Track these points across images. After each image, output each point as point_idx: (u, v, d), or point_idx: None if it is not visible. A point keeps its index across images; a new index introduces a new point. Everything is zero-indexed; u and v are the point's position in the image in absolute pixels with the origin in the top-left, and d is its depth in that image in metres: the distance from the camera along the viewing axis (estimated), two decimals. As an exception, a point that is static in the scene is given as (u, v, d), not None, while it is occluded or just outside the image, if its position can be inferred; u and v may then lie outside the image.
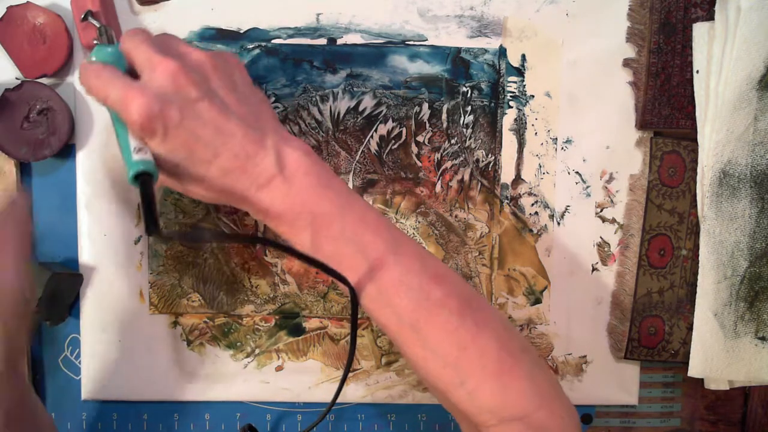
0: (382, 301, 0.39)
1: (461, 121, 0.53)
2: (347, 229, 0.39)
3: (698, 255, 0.53)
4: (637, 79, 0.53)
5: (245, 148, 0.37)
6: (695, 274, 0.53)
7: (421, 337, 0.38)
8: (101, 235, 0.53)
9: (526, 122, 0.53)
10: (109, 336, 0.53)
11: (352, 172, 0.53)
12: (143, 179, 0.35)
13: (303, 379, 0.54)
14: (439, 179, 0.53)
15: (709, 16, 0.52)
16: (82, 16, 0.46)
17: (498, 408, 0.37)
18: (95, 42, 0.41)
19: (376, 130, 0.53)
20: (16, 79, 0.51)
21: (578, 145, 0.53)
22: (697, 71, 0.52)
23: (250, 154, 0.37)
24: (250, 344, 0.54)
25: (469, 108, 0.53)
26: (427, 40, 0.52)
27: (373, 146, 0.53)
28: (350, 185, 0.53)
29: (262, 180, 0.38)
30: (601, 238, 0.54)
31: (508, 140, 0.53)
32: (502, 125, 0.53)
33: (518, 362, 0.38)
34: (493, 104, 0.53)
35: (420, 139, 0.53)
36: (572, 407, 0.40)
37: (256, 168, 0.38)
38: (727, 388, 0.55)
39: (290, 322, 0.54)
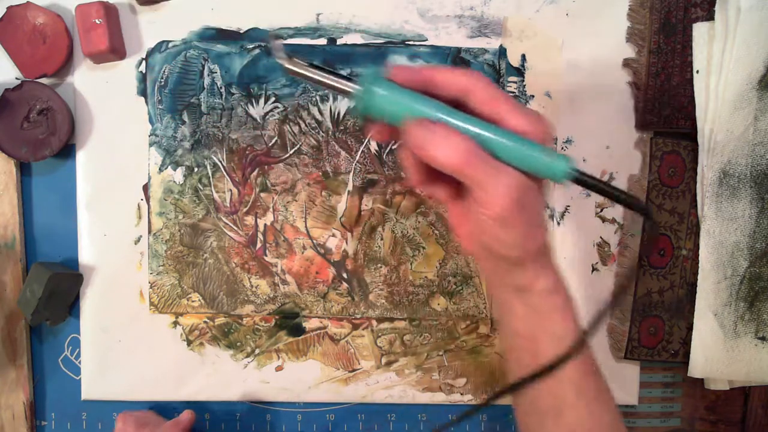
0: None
1: (461, 121, 0.53)
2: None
3: (698, 255, 0.53)
4: (637, 79, 0.53)
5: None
6: (695, 274, 0.53)
7: None
8: (101, 235, 0.53)
9: (526, 122, 0.53)
10: (109, 336, 0.53)
11: (352, 172, 0.53)
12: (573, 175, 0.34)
13: (303, 379, 0.54)
14: (439, 179, 0.53)
15: (709, 16, 0.52)
16: (274, 42, 0.36)
17: None
18: (353, 87, 0.34)
19: (376, 130, 0.53)
20: (16, 79, 0.51)
21: (578, 145, 0.53)
22: (697, 71, 0.52)
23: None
24: (250, 344, 0.54)
25: (469, 108, 0.53)
26: (427, 40, 0.52)
27: (374, 146, 0.53)
28: (350, 185, 0.53)
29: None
30: (601, 238, 0.54)
31: (508, 140, 0.53)
32: (502, 125, 0.53)
33: None
34: (493, 104, 0.53)
35: (420, 139, 0.53)
36: None
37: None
38: (727, 388, 0.55)
39: (290, 322, 0.54)
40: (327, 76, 0.35)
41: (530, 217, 0.34)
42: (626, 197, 0.35)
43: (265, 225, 0.53)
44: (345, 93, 0.35)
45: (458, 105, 0.34)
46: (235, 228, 0.53)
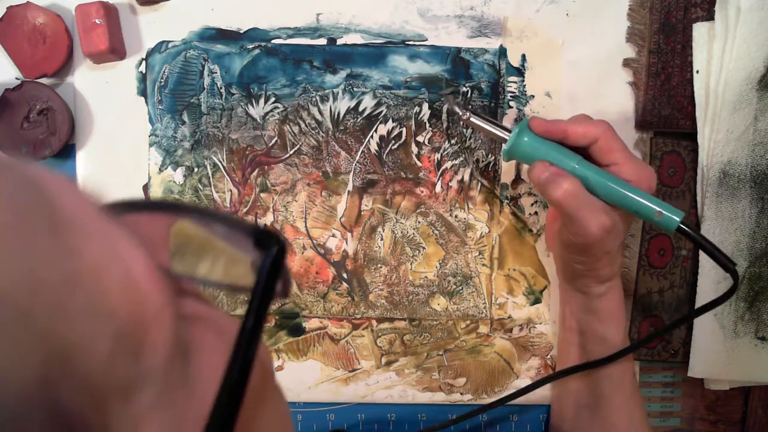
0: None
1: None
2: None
3: (698, 255, 0.53)
4: (637, 79, 0.53)
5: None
6: (695, 274, 0.53)
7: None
8: (101, 235, 0.53)
9: (526, 122, 0.53)
10: (109, 336, 0.53)
11: (352, 172, 0.53)
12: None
13: (303, 379, 0.54)
14: (439, 179, 0.53)
15: (709, 16, 0.52)
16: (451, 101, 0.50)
17: None
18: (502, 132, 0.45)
19: (376, 130, 0.53)
20: (16, 79, 0.51)
21: (578, 145, 0.53)
22: (697, 71, 0.52)
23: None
24: (250, 344, 0.54)
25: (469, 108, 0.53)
26: (427, 40, 0.52)
27: (373, 146, 0.53)
28: (350, 185, 0.53)
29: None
30: (601, 238, 0.54)
31: (508, 140, 0.53)
32: (502, 125, 0.53)
33: None
34: (493, 104, 0.53)
35: (420, 139, 0.53)
36: None
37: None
38: (727, 388, 0.55)
39: (290, 322, 0.54)
40: (491, 125, 0.45)
41: (606, 249, 0.43)
42: (721, 256, 0.42)
43: (265, 225, 0.53)
44: (500, 139, 0.45)
45: (583, 150, 0.43)
46: (235, 228, 0.53)
